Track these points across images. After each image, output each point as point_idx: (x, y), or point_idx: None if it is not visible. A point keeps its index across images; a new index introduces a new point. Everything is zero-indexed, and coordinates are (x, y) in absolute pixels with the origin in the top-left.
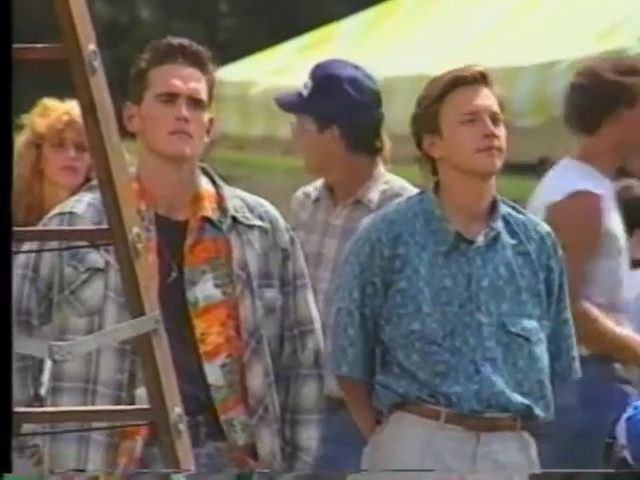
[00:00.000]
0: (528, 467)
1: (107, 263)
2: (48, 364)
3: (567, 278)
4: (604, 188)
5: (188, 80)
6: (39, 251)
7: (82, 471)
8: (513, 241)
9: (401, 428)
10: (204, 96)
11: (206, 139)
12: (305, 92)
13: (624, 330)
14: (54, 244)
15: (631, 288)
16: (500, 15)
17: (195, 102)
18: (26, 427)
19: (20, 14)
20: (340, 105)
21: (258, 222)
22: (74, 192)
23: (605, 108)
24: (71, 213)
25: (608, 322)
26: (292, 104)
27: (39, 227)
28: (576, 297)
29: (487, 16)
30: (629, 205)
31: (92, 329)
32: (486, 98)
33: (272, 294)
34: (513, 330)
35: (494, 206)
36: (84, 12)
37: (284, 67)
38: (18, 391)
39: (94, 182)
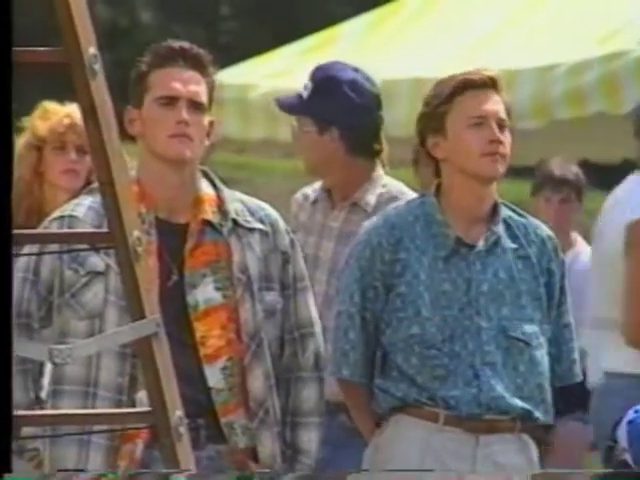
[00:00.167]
0: (528, 468)
1: (107, 266)
2: (48, 367)
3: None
4: None
5: (188, 83)
6: (39, 254)
7: (82, 471)
8: (514, 245)
9: (401, 430)
10: (204, 99)
11: (206, 142)
12: (305, 94)
13: None
14: (54, 247)
15: None
16: (501, 18)
17: (195, 105)
18: (26, 430)
19: (21, 17)
20: (340, 107)
21: (259, 225)
22: (74, 195)
23: None
24: (71, 216)
25: None
26: (292, 106)
27: (39, 230)
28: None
29: (488, 19)
30: None
31: (93, 332)
32: (495, 103)
33: (272, 297)
34: (513, 334)
35: (495, 209)
36: (85, 15)
37: (285, 70)
38: (18, 394)
39: (94, 185)
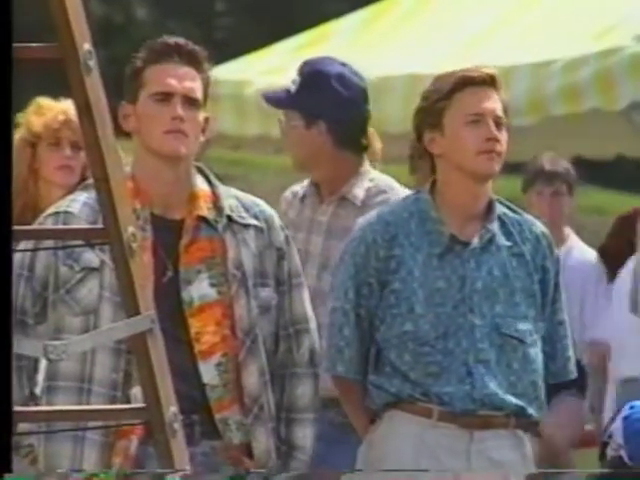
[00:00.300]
0: (523, 464)
1: (102, 262)
2: (43, 363)
3: None
4: None
5: (183, 79)
6: (34, 250)
7: (81, 471)
8: (508, 242)
9: (394, 426)
10: (199, 95)
11: (201, 138)
12: (293, 88)
13: None
14: (49, 243)
15: None
16: (496, 14)
17: (190, 101)
18: (21, 426)
19: (16, 13)
20: (327, 101)
21: (253, 221)
22: (69, 191)
23: None
24: (66, 212)
25: None
26: (280, 100)
27: (34, 226)
28: None
29: (483, 15)
30: None
31: (87, 328)
32: (493, 101)
33: (267, 293)
34: (507, 332)
35: (490, 207)
36: (79, 11)
37: (279, 66)
38: (13, 390)
39: (89, 181)
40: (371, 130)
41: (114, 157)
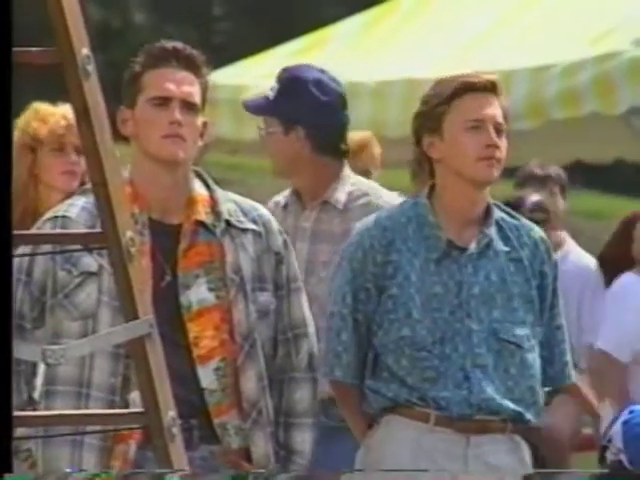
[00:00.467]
0: (520, 469)
1: (101, 267)
2: (42, 368)
3: None
4: None
5: (181, 84)
6: (32, 254)
7: (83, 470)
8: (506, 247)
9: (392, 431)
10: (197, 100)
11: (200, 143)
12: (271, 95)
13: None
14: (47, 248)
15: None
16: (494, 18)
17: (189, 106)
18: (20, 431)
19: (14, 15)
20: (305, 106)
21: (252, 226)
22: (68, 196)
23: None
24: (64, 217)
25: None
26: (258, 107)
27: (33, 231)
28: None
29: (481, 19)
30: None
31: (86, 333)
32: (493, 107)
33: (266, 298)
34: (504, 337)
35: (488, 212)
36: (78, 16)
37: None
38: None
39: (88, 186)
40: (370, 135)
41: (112, 162)
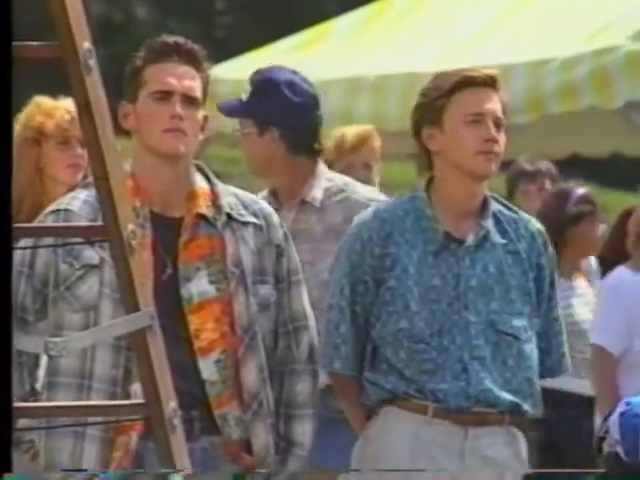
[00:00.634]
0: (517, 462)
1: (102, 260)
2: (44, 359)
3: None
4: None
5: (183, 78)
6: (34, 247)
7: (84, 470)
8: (503, 240)
9: (390, 422)
10: (199, 94)
11: (200, 136)
12: (244, 97)
13: None
14: (49, 241)
15: None
16: (493, 13)
17: (190, 100)
18: (22, 422)
19: (16, 12)
20: (278, 107)
21: (252, 219)
22: (71, 189)
23: None
24: (67, 210)
25: None
26: (232, 109)
27: (35, 224)
28: None
29: (480, 14)
30: None
31: (87, 325)
32: (493, 102)
33: (266, 290)
34: (502, 328)
35: (485, 204)
36: (79, 10)
37: (279, 65)
38: (14, 386)
39: (90, 179)
40: (371, 128)
41: (114, 156)
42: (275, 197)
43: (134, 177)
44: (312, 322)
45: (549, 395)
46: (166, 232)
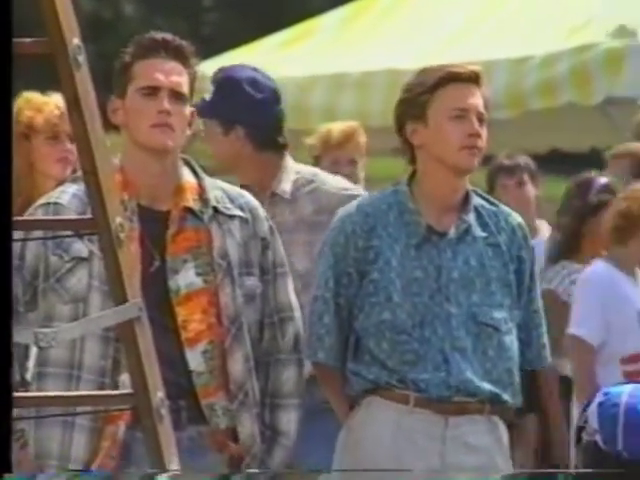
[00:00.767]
0: (498, 449)
1: (91, 252)
2: (34, 350)
3: None
4: None
5: (170, 74)
6: (25, 240)
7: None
8: (484, 233)
9: (372, 412)
10: (186, 89)
11: (188, 131)
12: (208, 96)
13: None
14: (39, 233)
15: None
16: (475, 11)
17: (177, 95)
18: (13, 411)
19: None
20: (242, 105)
21: (238, 212)
22: (60, 183)
23: None
24: (56, 203)
25: None
26: (197, 109)
27: (25, 217)
28: None
29: (462, 12)
30: None
31: (77, 316)
32: (476, 98)
33: (252, 282)
34: (483, 320)
35: (467, 198)
36: (68, 7)
37: (265, 62)
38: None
39: (79, 173)
40: (356, 124)
41: (102, 150)
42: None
43: (123, 171)
44: (297, 313)
45: None
46: (154, 225)
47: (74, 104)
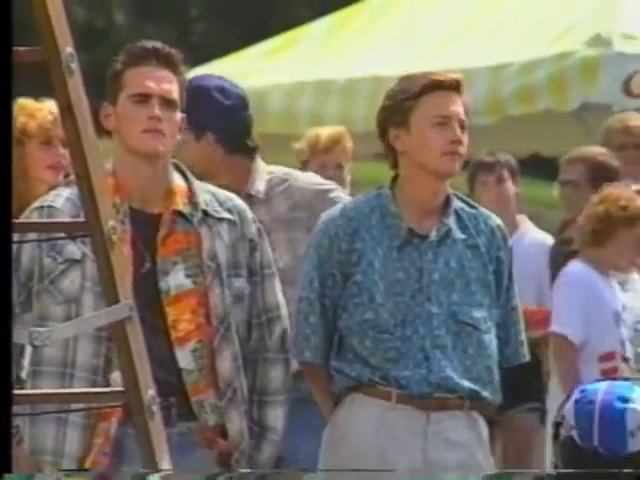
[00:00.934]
0: (478, 444)
1: (84, 254)
2: (28, 349)
3: None
4: None
5: (161, 81)
6: (19, 242)
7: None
8: (464, 235)
9: (355, 409)
10: (176, 96)
11: (178, 137)
12: None
13: None
14: (34, 236)
15: None
16: (456, 22)
17: (167, 102)
18: None
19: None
20: (211, 112)
21: (227, 215)
22: (53, 187)
23: None
24: (50, 207)
25: None
26: None
27: (20, 220)
28: None
29: (444, 23)
30: None
31: (70, 317)
32: (457, 105)
33: (240, 283)
34: (462, 319)
35: (447, 202)
36: (62, 16)
37: (251, 69)
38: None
39: (72, 178)
40: (343, 130)
41: (95, 155)
42: None
43: (115, 175)
44: (284, 312)
45: None
46: (145, 228)
47: (67, 110)
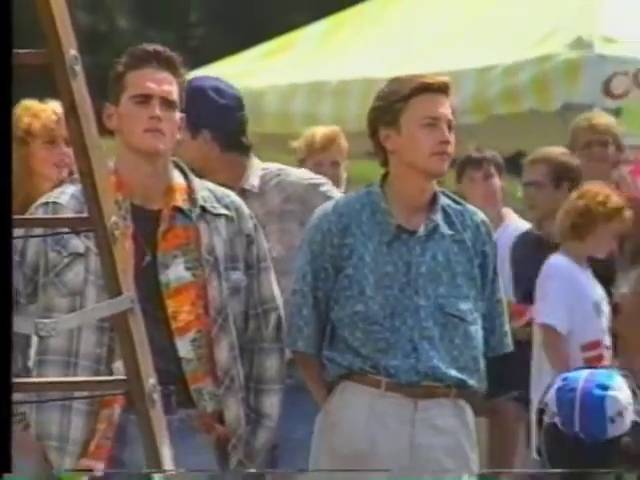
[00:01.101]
0: (465, 431)
1: (87, 248)
2: (34, 340)
3: None
4: None
5: (161, 83)
6: (25, 237)
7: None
8: (450, 231)
9: (347, 397)
10: (176, 97)
11: (178, 136)
12: None
13: None
14: (39, 231)
15: None
16: (444, 26)
17: (168, 103)
18: (15, 396)
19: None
20: (207, 111)
21: (224, 211)
22: (58, 184)
23: None
24: (55, 203)
25: None
26: None
27: (26, 215)
28: None
29: (432, 27)
30: None
31: (74, 308)
32: (446, 107)
33: (237, 276)
34: (449, 311)
35: (434, 199)
36: (66, 20)
37: (249, 71)
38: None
39: (76, 175)
40: (338, 129)
41: (98, 153)
42: None
43: (117, 173)
44: (280, 303)
45: None
46: (146, 223)
47: (71, 111)
